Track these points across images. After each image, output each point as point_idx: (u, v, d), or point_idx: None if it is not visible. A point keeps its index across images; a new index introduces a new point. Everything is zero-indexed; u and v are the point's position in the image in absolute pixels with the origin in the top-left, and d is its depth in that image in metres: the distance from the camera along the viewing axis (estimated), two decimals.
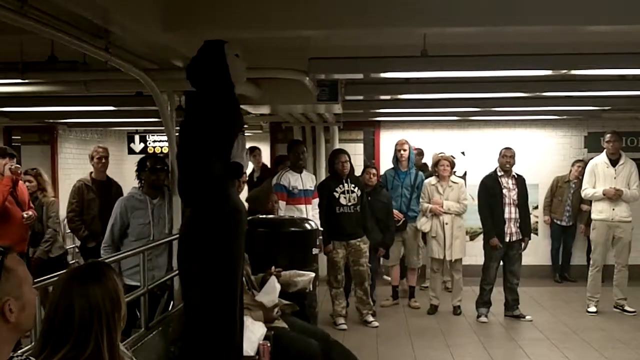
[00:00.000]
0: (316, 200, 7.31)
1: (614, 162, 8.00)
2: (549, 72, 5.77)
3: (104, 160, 6.94)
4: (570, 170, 9.96)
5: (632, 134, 10.36)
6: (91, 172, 6.98)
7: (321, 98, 6.46)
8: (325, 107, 7.20)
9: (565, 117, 9.81)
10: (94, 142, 11.30)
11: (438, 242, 7.91)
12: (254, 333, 4.10)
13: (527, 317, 7.76)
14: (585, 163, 9.73)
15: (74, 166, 11.25)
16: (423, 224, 8.09)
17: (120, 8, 3.35)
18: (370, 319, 7.47)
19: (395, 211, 8.08)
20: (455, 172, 8.33)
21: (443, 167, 7.98)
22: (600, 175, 8.01)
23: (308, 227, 5.83)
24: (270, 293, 4.57)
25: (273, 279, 4.67)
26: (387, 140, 10.18)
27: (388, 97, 7.85)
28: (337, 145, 9.51)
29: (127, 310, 2.28)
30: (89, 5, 3.22)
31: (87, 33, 3.80)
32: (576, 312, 8.07)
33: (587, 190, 8.14)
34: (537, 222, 10.32)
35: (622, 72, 5.88)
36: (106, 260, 3.73)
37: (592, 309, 8.00)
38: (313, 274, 5.33)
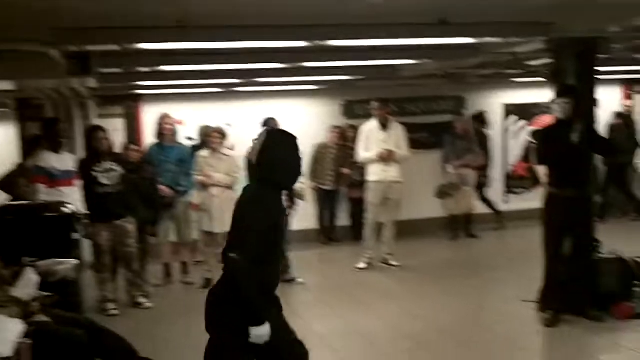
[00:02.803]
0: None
1: (384, 127, 8.43)
2: (305, 44, 5.86)
3: None
4: (329, 137, 10.38)
5: (385, 100, 10.99)
6: None
7: (72, 72, 5.98)
8: (78, 82, 6.71)
9: (323, 87, 10.14)
10: None
11: (209, 215, 7.82)
12: (10, 332, 3.72)
13: (300, 280, 7.96)
14: (340, 129, 10.16)
15: None
16: (195, 197, 7.95)
17: None
18: (142, 300, 7.21)
19: (162, 187, 7.82)
20: (232, 145, 8.26)
21: (215, 139, 7.86)
22: (373, 139, 8.41)
23: (64, 211, 5.43)
24: (27, 286, 4.19)
25: (27, 270, 4.29)
26: (150, 115, 9.82)
27: (148, 69, 7.51)
28: (95, 122, 8.97)
29: None
30: None
31: None
32: (344, 271, 8.46)
33: (361, 154, 8.52)
34: (303, 188, 10.64)
35: (375, 42, 6.13)
36: None
37: (363, 264, 8.45)
38: (75, 261, 4.99)
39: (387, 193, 8.41)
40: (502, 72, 9.70)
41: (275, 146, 3.40)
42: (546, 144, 6.11)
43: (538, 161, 6.38)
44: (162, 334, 6.21)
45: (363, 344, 5.68)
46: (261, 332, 3.30)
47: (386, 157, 8.30)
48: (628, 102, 11.79)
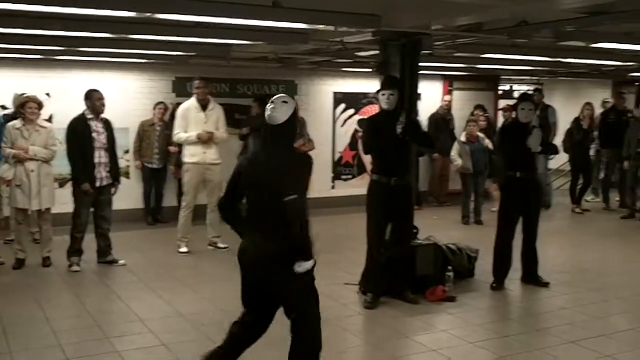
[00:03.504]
0: None
1: (204, 107, 8.27)
2: (132, 14, 5.63)
3: None
4: (153, 113, 10.11)
5: (211, 80, 10.87)
6: None
7: None
8: None
9: (153, 60, 9.84)
10: None
11: (23, 191, 7.33)
12: None
13: (121, 262, 7.70)
14: (164, 105, 9.93)
15: None
16: (5, 171, 7.42)
17: None
18: None
19: None
20: (50, 116, 7.76)
21: (31, 109, 7.33)
22: (192, 119, 8.22)
23: None
24: None
25: None
26: None
27: None
28: None
29: None
30: None
31: None
32: (170, 253, 8.29)
33: (179, 135, 8.29)
34: (128, 166, 10.32)
35: (201, 19, 6.01)
36: None
37: (184, 249, 8.29)
38: None
39: (206, 175, 8.29)
40: (332, 61, 9.93)
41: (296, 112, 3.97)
42: (371, 133, 6.32)
43: (364, 149, 6.60)
44: None
45: (188, 327, 5.60)
46: (308, 265, 3.88)
47: (206, 139, 8.18)
48: (447, 97, 12.50)
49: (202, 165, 8.24)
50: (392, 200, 6.12)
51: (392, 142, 6.05)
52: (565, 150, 11.44)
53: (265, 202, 3.83)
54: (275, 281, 3.90)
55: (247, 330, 4.14)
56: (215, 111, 8.36)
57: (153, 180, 10.34)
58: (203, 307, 6.17)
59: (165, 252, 8.37)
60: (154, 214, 10.41)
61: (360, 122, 11.80)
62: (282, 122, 3.86)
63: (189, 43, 7.75)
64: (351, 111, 12.21)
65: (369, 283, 6.34)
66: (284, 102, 3.90)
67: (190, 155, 8.27)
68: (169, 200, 10.42)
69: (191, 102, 8.35)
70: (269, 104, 3.91)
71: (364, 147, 6.52)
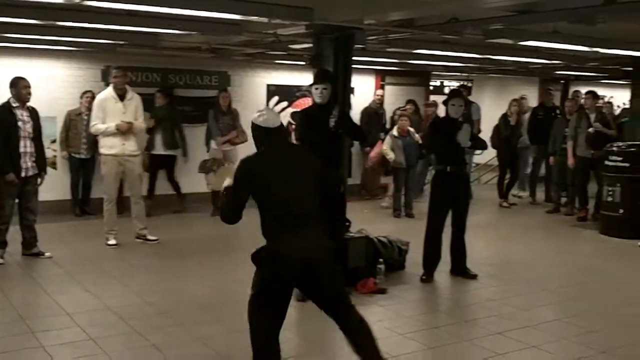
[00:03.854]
0: None
1: (121, 97, 8.07)
2: (61, 0, 5.48)
3: None
4: (81, 102, 9.88)
5: (142, 69, 10.71)
6: None
7: None
8: None
9: (81, 49, 9.60)
10: None
11: None
12: None
13: (47, 254, 7.49)
14: (92, 94, 9.72)
15: None
16: None
17: None
18: None
19: None
20: None
21: None
22: (109, 110, 8.01)
23: None
24: None
25: None
26: None
27: None
28: None
29: None
30: None
31: None
32: (98, 245, 8.11)
33: (97, 126, 8.06)
34: (55, 156, 10.05)
35: (133, 7, 5.89)
36: None
37: (112, 241, 8.12)
38: None
39: (126, 166, 8.12)
40: (266, 53, 9.90)
41: None
42: (304, 126, 6.32)
43: (296, 142, 6.60)
44: None
45: (116, 321, 5.49)
46: None
47: (125, 130, 8.00)
48: (380, 92, 12.62)
49: (122, 157, 8.05)
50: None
51: (325, 136, 6.07)
52: (493, 146, 11.71)
53: (306, 196, 3.90)
54: (330, 273, 3.95)
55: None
56: (134, 101, 8.15)
57: (81, 171, 10.10)
58: (131, 300, 6.07)
59: (93, 244, 8.19)
60: (82, 205, 10.18)
61: (293, 115, 11.77)
62: (280, 124, 4.12)
63: (118, 31, 7.58)
64: (284, 104, 12.04)
65: None
66: (269, 109, 4.32)
67: (109, 147, 8.05)
68: (98, 191, 10.19)
69: (108, 92, 8.13)
70: (258, 116, 4.16)
71: (297, 139, 6.52)
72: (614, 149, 9.45)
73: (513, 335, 5.33)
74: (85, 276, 6.77)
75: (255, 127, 4.12)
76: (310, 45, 7.33)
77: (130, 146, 8.08)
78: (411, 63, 11.47)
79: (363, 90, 12.49)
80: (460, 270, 7.10)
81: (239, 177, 3.95)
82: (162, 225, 9.11)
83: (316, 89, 6.14)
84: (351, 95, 7.35)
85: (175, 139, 10.23)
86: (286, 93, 12.09)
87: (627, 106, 12.26)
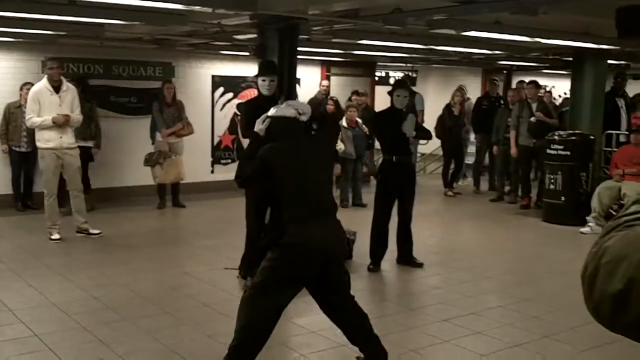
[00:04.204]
0: None
1: (57, 89, 7.90)
2: None
3: None
4: (20, 94, 9.63)
5: (84, 61, 10.50)
6: None
7: None
8: None
9: (20, 39, 9.36)
10: None
11: None
12: None
13: None
14: (32, 86, 9.45)
15: None
16: None
17: None
18: None
19: None
20: None
21: None
22: (45, 102, 7.83)
23: None
24: None
25: None
26: None
27: None
28: None
29: None
30: None
31: None
32: (40, 240, 7.95)
33: (33, 119, 7.86)
34: None
35: None
36: None
37: (56, 235, 7.95)
38: None
39: (64, 160, 7.94)
40: (210, 43, 9.81)
41: None
42: (249, 118, 6.29)
43: (242, 133, 6.57)
44: None
45: (61, 316, 5.39)
46: None
47: (62, 122, 7.83)
48: (325, 83, 12.64)
49: (59, 150, 7.88)
50: None
51: None
52: (438, 136, 11.86)
53: (324, 181, 4.14)
54: (342, 262, 4.22)
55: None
56: (70, 92, 7.98)
57: (22, 165, 9.86)
58: (76, 295, 5.96)
59: (36, 239, 8.02)
60: (24, 199, 9.95)
61: (239, 106, 11.74)
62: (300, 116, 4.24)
63: (58, 22, 7.41)
64: (230, 95, 12.11)
65: (249, 268, 6.33)
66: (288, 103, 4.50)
67: (45, 140, 7.86)
68: (41, 185, 9.96)
69: (43, 84, 7.93)
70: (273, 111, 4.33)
71: (242, 131, 6.49)
72: (556, 137, 9.68)
73: (458, 322, 5.43)
74: (28, 271, 6.63)
75: (277, 121, 4.28)
76: (255, 35, 7.29)
77: (67, 139, 7.91)
78: (356, 54, 11.52)
79: (309, 81, 12.50)
80: (406, 259, 7.19)
81: (261, 166, 4.08)
82: (106, 219, 8.98)
83: (263, 81, 6.11)
84: (297, 86, 7.34)
85: (89, 129, 9.71)
86: (231, 84, 12.06)
87: (568, 96, 12.54)
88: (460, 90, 12.40)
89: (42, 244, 7.81)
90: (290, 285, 3.92)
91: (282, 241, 3.92)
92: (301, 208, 3.95)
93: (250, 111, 6.40)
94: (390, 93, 7.05)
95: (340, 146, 10.52)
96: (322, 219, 3.97)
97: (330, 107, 10.75)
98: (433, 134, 11.78)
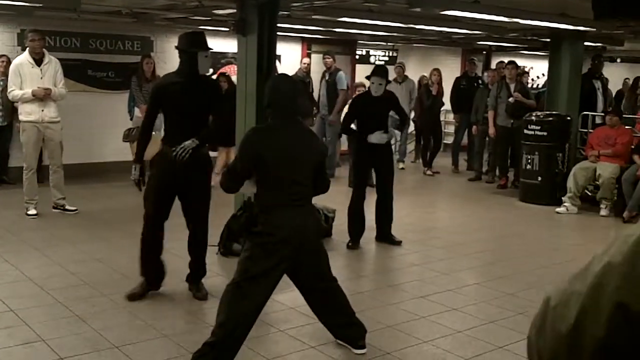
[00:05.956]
0: None
1: (38, 62, 7.79)
2: None
3: None
4: None
5: (60, 34, 10.36)
6: None
7: None
8: None
9: None
10: None
11: None
12: None
13: None
14: (8, 58, 9.32)
15: None
16: None
17: None
18: None
19: None
20: None
21: None
22: (26, 75, 7.73)
23: None
24: None
25: None
26: None
27: None
28: None
29: None
30: None
31: None
32: (17, 216, 7.88)
33: (14, 92, 7.78)
34: None
35: None
36: None
37: (32, 211, 7.89)
38: None
39: (45, 134, 7.87)
40: (189, 18, 9.71)
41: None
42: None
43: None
44: None
45: (37, 292, 5.37)
46: None
47: (42, 95, 7.74)
48: (306, 60, 12.57)
49: (40, 124, 7.79)
50: None
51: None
52: (416, 115, 11.88)
53: (306, 175, 3.96)
54: (317, 251, 4.14)
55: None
56: (52, 65, 7.87)
57: None
58: (53, 271, 5.94)
59: (12, 214, 7.95)
60: (0, 174, 9.82)
61: (221, 75, 11.64)
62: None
63: None
64: (210, 71, 12.00)
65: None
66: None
67: (27, 113, 7.78)
68: (17, 159, 9.86)
69: (24, 57, 7.83)
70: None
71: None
72: (533, 118, 9.75)
73: (435, 298, 5.49)
74: (4, 247, 6.58)
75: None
76: (234, 10, 7.23)
77: (50, 112, 7.83)
78: (337, 31, 11.47)
79: (289, 59, 12.44)
80: (385, 236, 7.23)
81: (245, 154, 3.91)
82: (84, 195, 8.92)
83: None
84: (277, 63, 7.30)
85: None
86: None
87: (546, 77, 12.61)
88: (438, 69, 12.42)
89: (19, 220, 7.75)
90: (266, 277, 3.83)
91: (254, 229, 3.87)
92: (277, 196, 3.88)
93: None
94: (368, 78, 7.06)
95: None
96: (298, 209, 3.89)
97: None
98: (412, 115, 11.88)
